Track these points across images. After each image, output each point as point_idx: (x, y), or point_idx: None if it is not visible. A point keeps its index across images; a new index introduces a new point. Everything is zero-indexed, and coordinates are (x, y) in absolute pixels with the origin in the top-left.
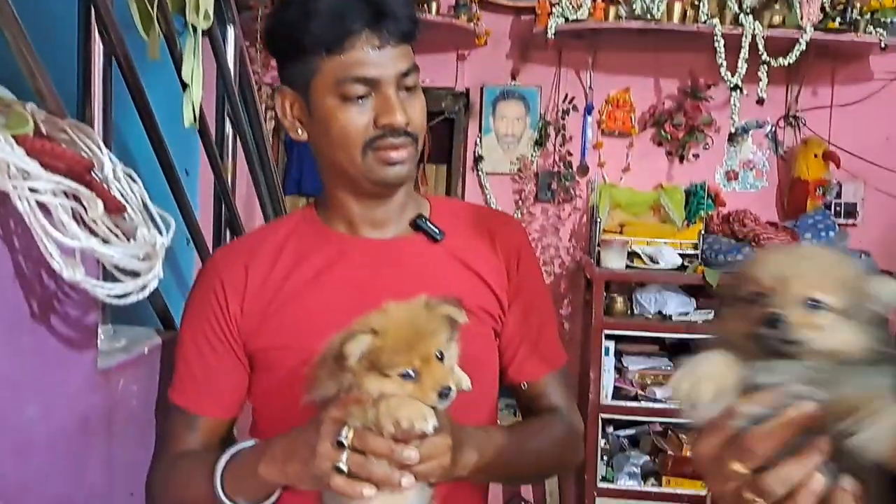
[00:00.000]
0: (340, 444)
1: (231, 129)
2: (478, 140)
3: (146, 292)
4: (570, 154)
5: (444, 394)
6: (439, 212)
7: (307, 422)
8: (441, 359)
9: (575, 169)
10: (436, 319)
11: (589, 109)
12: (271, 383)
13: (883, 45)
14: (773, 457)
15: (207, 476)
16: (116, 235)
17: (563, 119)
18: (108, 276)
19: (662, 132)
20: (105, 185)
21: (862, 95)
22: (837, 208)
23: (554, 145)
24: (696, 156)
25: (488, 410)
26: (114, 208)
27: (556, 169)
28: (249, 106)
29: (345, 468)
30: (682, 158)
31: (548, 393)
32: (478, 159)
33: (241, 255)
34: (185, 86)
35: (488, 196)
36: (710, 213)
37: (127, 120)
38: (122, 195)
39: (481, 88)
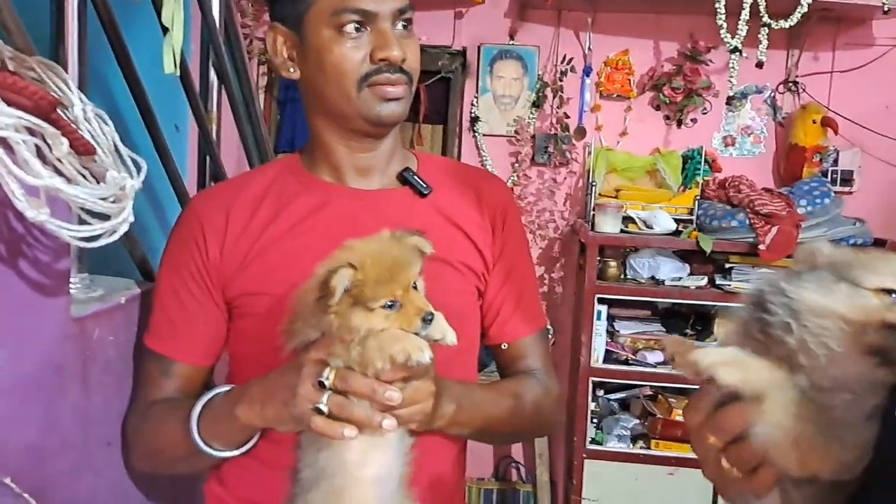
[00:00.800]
0: (322, 385)
1: (216, 80)
2: (474, 100)
3: (116, 236)
4: (568, 117)
5: (427, 319)
6: (426, 167)
7: (287, 364)
8: (415, 287)
9: (572, 132)
10: (407, 250)
11: (587, 71)
12: (249, 331)
13: (886, 9)
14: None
15: (182, 421)
16: (85, 177)
17: (562, 80)
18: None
19: (661, 96)
20: (74, 126)
21: (863, 61)
22: (834, 175)
23: (551, 107)
24: (694, 120)
25: (469, 367)
26: (82, 149)
27: (553, 131)
28: (236, 57)
29: (325, 409)
30: (679, 123)
31: (527, 354)
32: (474, 120)
33: (222, 200)
34: (165, 30)
35: (485, 158)
36: (706, 178)
37: (114, 71)
38: (92, 136)
39: (479, 47)
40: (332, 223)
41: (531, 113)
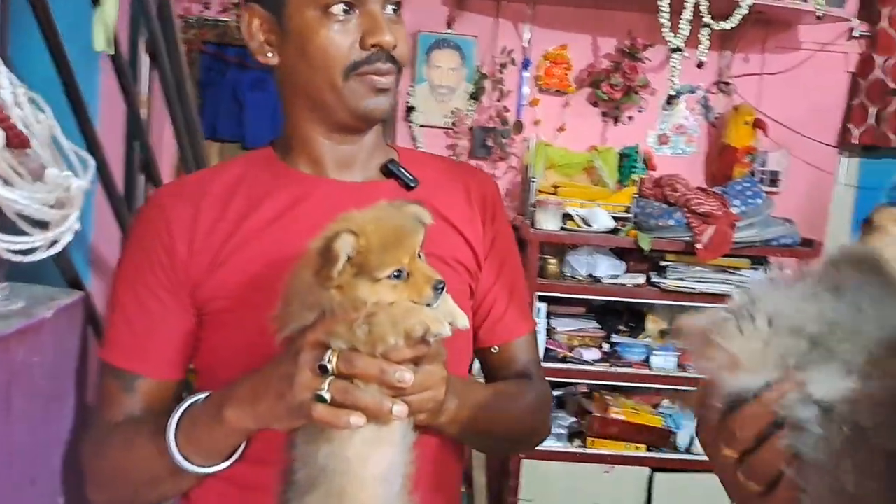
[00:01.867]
0: (323, 370)
1: (148, 60)
2: (410, 90)
3: (58, 247)
4: (507, 110)
5: (438, 287)
6: (408, 161)
7: (280, 353)
8: (420, 257)
9: (511, 125)
10: (409, 217)
11: (526, 64)
12: (222, 338)
13: (819, 15)
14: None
15: (154, 435)
16: (20, 176)
17: (501, 73)
18: (8, 227)
19: (600, 92)
20: (4, 112)
21: (790, 65)
22: (762, 176)
23: (490, 99)
24: (631, 118)
25: (461, 372)
26: (15, 140)
27: (491, 125)
28: (168, 34)
29: (327, 396)
30: (616, 120)
31: (519, 357)
32: (409, 110)
33: (190, 194)
34: (95, 2)
35: (420, 149)
36: (642, 176)
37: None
38: (25, 126)
39: (415, 35)
40: (316, 216)
41: (469, 105)
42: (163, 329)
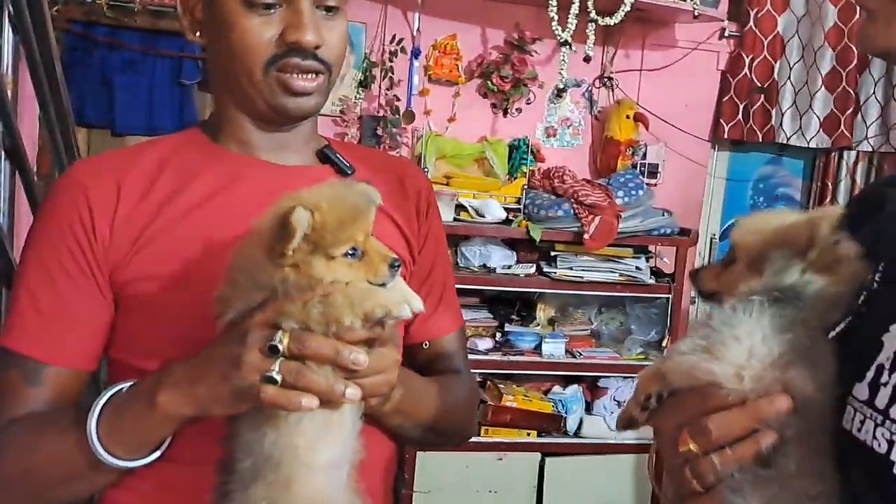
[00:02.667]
0: (273, 351)
1: (12, 37)
2: None
3: None
4: (398, 99)
5: (395, 265)
6: (343, 151)
7: (223, 334)
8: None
9: (401, 115)
10: (361, 195)
11: (416, 53)
12: (143, 323)
13: (696, 14)
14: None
15: (67, 429)
16: None
17: (391, 61)
18: None
19: (489, 84)
20: None
21: (667, 62)
22: (642, 168)
23: (380, 88)
24: (520, 110)
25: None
26: None
27: (381, 113)
28: (34, 10)
29: (278, 378)
30: (505, 112)
31: (450, 354)
32: None
33: (111, 169)
34: None
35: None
36: (531, 168)
37: None
38: None
39: None
40: (248, 198)
41: (358, 93)
42: (77, 314)
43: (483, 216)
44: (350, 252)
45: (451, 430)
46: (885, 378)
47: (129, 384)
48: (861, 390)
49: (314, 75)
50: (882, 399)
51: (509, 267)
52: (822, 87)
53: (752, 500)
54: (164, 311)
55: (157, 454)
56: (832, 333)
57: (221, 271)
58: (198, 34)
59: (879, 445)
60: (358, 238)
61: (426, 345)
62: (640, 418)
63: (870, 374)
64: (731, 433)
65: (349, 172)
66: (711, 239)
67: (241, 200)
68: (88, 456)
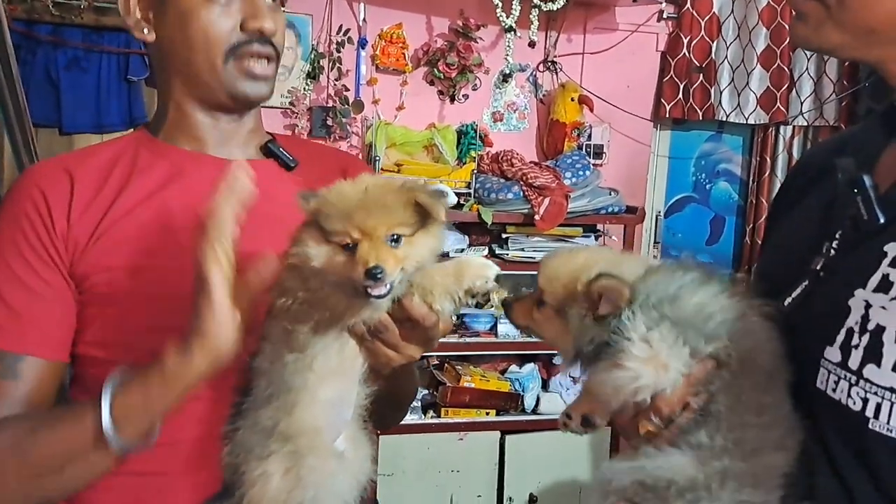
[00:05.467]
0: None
1: None
2: None
3: None
4: (347, 89)
5: (373, 274)
6: (286, 144)
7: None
8: (397, 241)
9: (350, 105)
10: (399, 199)
11: (363, 43)
12: (100, 315)
13: None
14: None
15: (68, 418)
16: None
17: (339, 52)
18: None
19: (436, 71)
20: None
21: (608, 45)
22: (588, 149)
23: (328, 79)
24: (466, 96)
25: None
26: None
27: (330, 104)
28: None
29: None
30: (452, 98)
31: None
32: None
33: (65, 167)
34: None
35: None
36: (479, 153)
37: None
38: None
39: None
40: (191, 192)
41: (307, 84)
42: (46, 306)
43: None
44: (347, 244)
45: (408, 396)
46: (855, 340)
47: (126, 370)
48: (833, 353)
49: (268, 62)
50: (854, 360)
51: (462, 250)
52: (758, 65)
53: (711, 431)
54: (120, 301)
55: (153, 438)
56: (788, 300)
57: (169, 262)
58: (145, 31)
59: (854, 403)
60: (353, 234)
61: None
62: (579, 431)
63: (840, 338)
64: (676, 407)
65: (292, 166)
66: (657, 216)
67: (183, 195)
68: (93, 442)
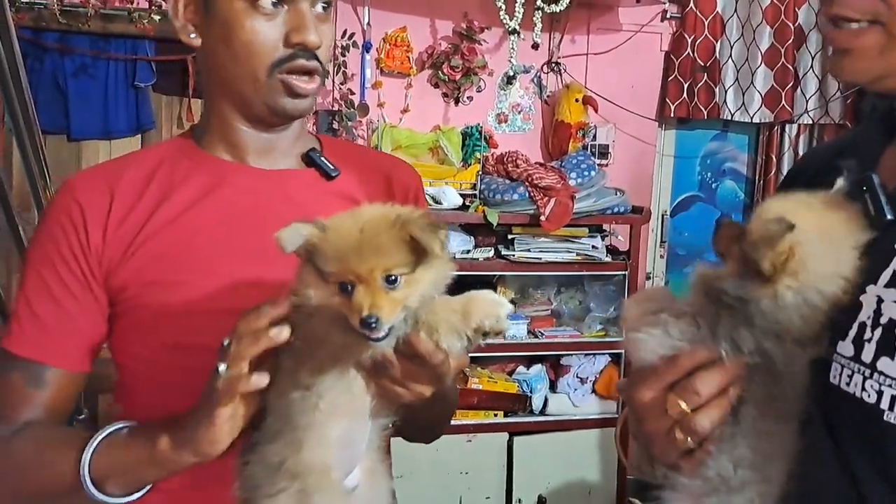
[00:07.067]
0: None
1: None
2: None
3: None
4: (353, 93)
5: (367, 323)
6: (332, 151)
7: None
8: (394, 282)
9: (356, 108)
10: (394, 238)
11: (367, 47)
12: (137, 328)
13: None
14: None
15: (71, 449)
16: None
17: (344, 56)
18: None
19: (440, 73)
20: None
21: (612, 45)
22: (593, 149)
23: (333, 83)
24: (471, 98)
25: None
26: None
27: (336, 108)
28: None
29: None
30: (457, 101)
31: None
32: None
33: (105, 180)
34: None
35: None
36: (484, 154)
37: None
38: None
39: None
40: (229, 203)
41: None
42: (72, 319)
43: (440, 203)
44: (344, 286)
45: (443, 417)
46: (868, 334)
47: (129, 425)
48: (846, 347)
49: (312, 77)
50: (868, 354)
51: (468, 252)
52: (763, 64)
53: (733, 444)
54: (151, 316)
55: (142, 493)
56: None
57: (200, 279)
58: (191, 35)
59: (869, 396)
60: (348, 277)
61: None
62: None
63: (852, 332)
64: (714, 390)
65: (333, 175)
66: (663, 215)
67: (223, 206)
68: (77, 484)
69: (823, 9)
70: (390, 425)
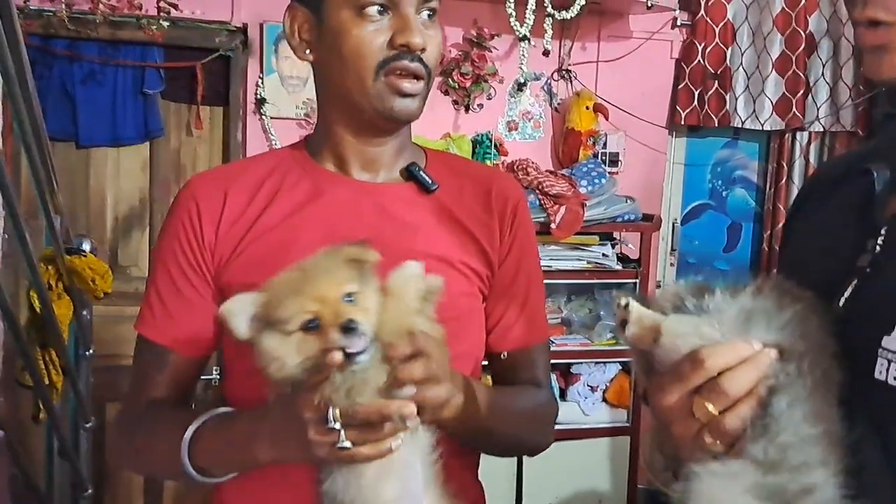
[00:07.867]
0: (331, 427)
1: None
2: (259, 81)
3: None
4: None
5: (348, 328)
6: (434, 163)
7: (282, 405)
8: (351, 300)
9: None
10: (335, 261)
11: None
12: None
13: (649, 5)
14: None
15: (178, 429)
16: None
17: None
18: None
19: (450, 81)
20: None
21: (622, 52)
22: (603, 157)
23: None
24: (481, 105)
25: (471, 374)
26: None
27: None
28: (3, 17)
29: (348, 444)
30: (467, 108)
31: (527, 365)
32: (260, 102)
33: (221, 181)
34: None
35: (273, 142)
36: (495, 162)
37: None
38: None
39: (261, 25)
40: (328, 214)
41: None
42: (193, 309)
43: None
44: (309, 323)
45: (515, 440)
46: None
47: (228, 411)
48: (891, 342)
49: (418, 79)
50: None
51: None
52: (773, 71)
53: (765, 443)
54: None
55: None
56: (841, 300)
57: None
58: (306, 52)
59: None
60: (310, 307)
61: (504, 355)
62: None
63: None
64: (743, 388)
65: (432, 189)
66: (673, 223)
67: (321, 215)
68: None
69: (855, 13)
70: (435, 449)
